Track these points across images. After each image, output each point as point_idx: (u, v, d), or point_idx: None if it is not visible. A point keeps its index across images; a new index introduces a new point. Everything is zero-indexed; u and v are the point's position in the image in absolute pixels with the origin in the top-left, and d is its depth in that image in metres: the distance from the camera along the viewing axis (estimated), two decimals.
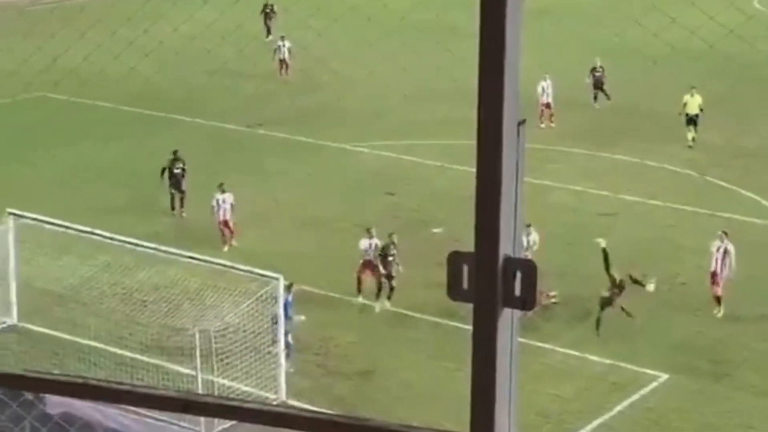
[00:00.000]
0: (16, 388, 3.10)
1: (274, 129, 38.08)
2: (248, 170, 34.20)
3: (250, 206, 31.07)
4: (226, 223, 30.02)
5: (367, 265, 27.12)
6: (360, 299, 26.80)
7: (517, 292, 2.78)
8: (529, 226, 26.13)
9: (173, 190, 31.67)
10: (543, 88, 37.96)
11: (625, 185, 32.76)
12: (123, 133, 37.65)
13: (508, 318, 2.81)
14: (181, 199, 31.72)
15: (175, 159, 32.00)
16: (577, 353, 24.50)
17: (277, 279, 24.14)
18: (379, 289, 26.80)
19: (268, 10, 48.04)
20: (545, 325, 24.66)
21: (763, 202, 31.72)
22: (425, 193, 31.96)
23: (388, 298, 26.70)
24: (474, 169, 2.75)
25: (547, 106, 38.17)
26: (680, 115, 35.58)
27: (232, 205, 29.99)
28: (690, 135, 35.70)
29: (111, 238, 25.31)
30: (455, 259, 2.80)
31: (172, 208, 31.69)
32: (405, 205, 31.44)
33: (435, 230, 29.50)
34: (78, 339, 24.74)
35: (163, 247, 25.62)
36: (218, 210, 29.96)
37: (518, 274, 2.78)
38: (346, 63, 44.41)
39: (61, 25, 48.37)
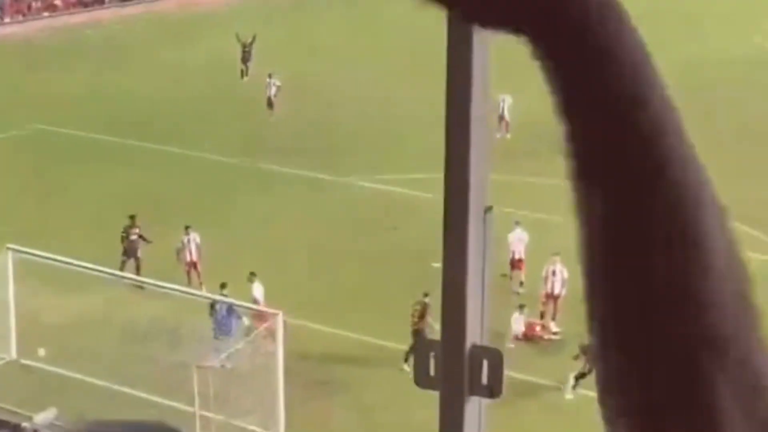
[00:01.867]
0: None
1: (268, 163, 38.05)
2: (239, 206, 34.25)
3: (242, 242, 31.09)
4: (194, 264, 29.29)
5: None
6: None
7: (484, 380, 2.75)
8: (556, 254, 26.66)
9: (125, 258, 29.53)
10: None
11: None
12: (112, 164, 37.72)
13: (476, 406, 2.79)
14: (137, 267, 29.54)
15: (132, 225, 30.01)
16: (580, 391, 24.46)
17: (276, 314, 24.17)
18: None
19: (246, 50, 47.90)
20: (540, 360, 24.66)
21: None
22: (427, 226, 31.96)
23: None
24: None
25: None
26: None
27: (197, 246, 29.29)
28: None
29: (109, 273, 25.34)
30: (421, 346, 2.78)
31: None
32: (406, 239, 31.38)
33: (435, 264, 29.53)
34: (77, 375, 24.68)
35: (164, 283, 25.64)
36: (184, 252, 29.29)
37: (485, 363, 2.75)
38: (339, 97, 44.75)
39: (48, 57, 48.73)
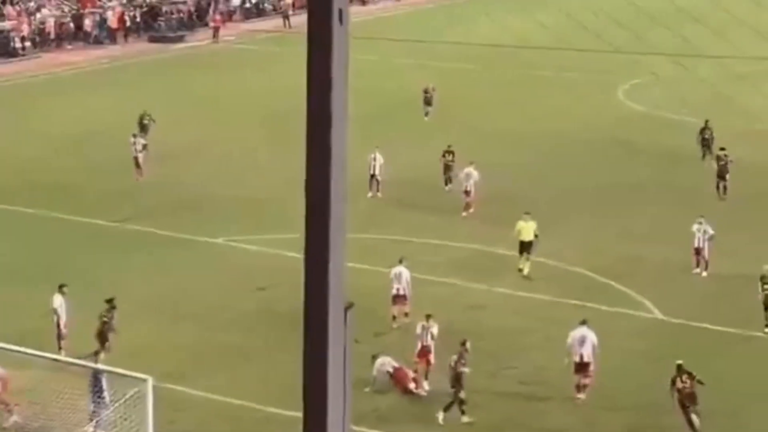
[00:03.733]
0: None
1: (141, 224, 37.65)
2: (115, 267, 33.83)
3: (119, 304, 30.70)
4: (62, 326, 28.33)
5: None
6: None
7: None
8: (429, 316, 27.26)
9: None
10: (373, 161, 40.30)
11: (496, 278, 33.20)
12: None
13: None
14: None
15: (113, 307, 28.57)
16: None
17: (145, 380, 23.78)
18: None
19: (145, 122, 46.24)
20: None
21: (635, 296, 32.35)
22: (294, 286, 31.86)
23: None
24: None
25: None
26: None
27: (65, 310, 28.37)
28: (522, 265, 33.30)
29: None
30: None
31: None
32: (277, 299, 31.27)
33: None
34: None
35: (28, 350, 25.05)
36: (59, 315, 28.39)
37: None
38: (206, 159, 44.68)
39: None
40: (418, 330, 27.39)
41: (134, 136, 43.18)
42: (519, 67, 58.86)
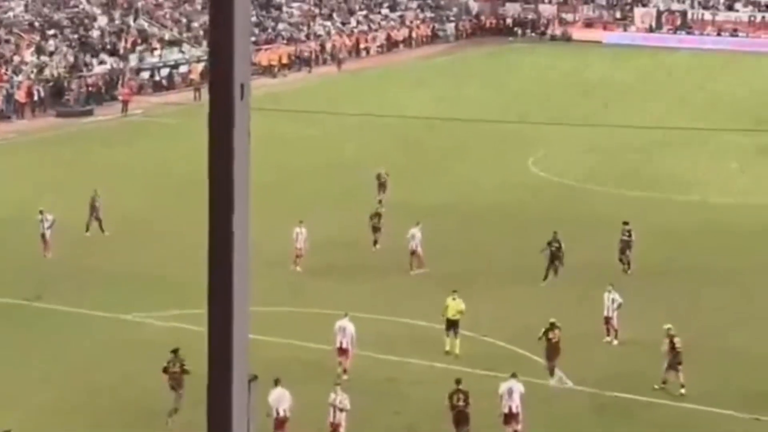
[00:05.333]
0: None
1: (50, 302, 37.10)
2: (23, 345, 33.26)
3: (24, 381, 30.13)
4: None
5: None
6: None
7: None
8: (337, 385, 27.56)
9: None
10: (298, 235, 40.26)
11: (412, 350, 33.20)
12: None
13: None
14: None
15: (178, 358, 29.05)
16: None
17: None
18: None
19: (95, 204, 44.71)
20: None
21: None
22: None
23: None
24: None
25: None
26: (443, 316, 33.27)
27: None
28: (449, 346, 33.03)
29: None
30: None
31: None
32: (189, 376, 30.91)
33: None
34: None
35: None
36: None
37: None
38: (121, 231, 44.20)
39: None
40: (330, 399, 27.35)
41: (41, 212, 42.43)
42: (430, 139, 59.55)
